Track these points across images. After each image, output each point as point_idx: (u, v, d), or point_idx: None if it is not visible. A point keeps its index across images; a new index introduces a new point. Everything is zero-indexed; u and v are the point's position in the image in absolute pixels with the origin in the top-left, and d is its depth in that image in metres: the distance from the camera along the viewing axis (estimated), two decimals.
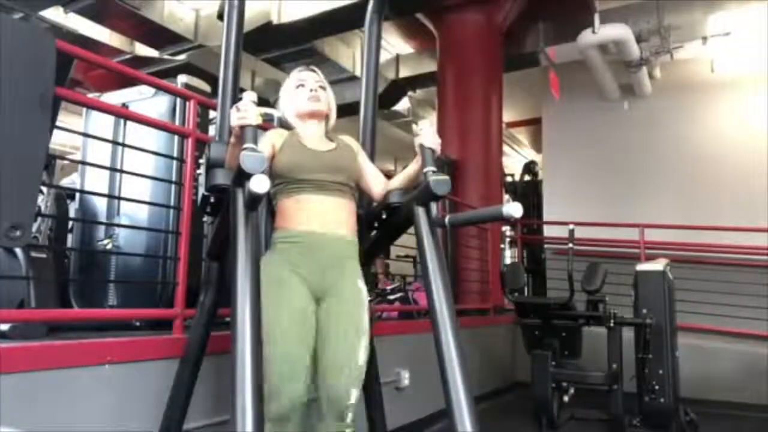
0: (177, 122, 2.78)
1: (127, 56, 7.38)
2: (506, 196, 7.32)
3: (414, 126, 1.85)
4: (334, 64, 7.63)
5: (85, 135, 2.87)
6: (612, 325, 3.81)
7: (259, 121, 1.56)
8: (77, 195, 3.04)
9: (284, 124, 2.13)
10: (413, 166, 1.88)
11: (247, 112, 1.55)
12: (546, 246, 7.07)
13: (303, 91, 1.98)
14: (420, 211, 1.72)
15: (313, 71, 2.05)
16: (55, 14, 6.44)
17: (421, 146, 1.77)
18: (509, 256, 8.14)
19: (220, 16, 6.26)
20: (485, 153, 6.21)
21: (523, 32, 6.93)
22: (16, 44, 1.70)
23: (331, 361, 1.78)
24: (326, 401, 1.78)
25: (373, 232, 2.07)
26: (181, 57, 7.42)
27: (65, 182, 3.51)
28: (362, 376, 1.83)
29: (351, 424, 1.79)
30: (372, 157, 2.15)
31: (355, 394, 1.79)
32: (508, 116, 8.79)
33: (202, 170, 2.07)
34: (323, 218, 1.86)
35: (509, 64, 6.83)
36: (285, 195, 1.89)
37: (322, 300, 1.85)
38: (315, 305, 1.83)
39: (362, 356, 1.82)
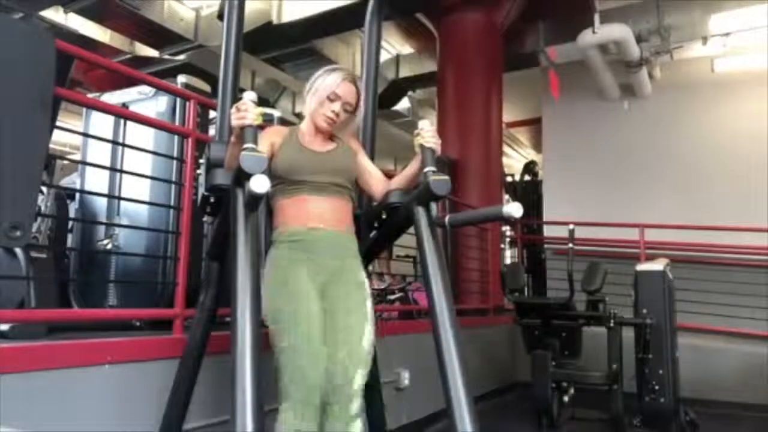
0: (177, 122, 2.78)
1: (127, 56, 7.39)
2: (506, 196, 7.31)
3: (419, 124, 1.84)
4: (334, 64, 7.63)
5: (85, 135, 2.87)
6: (612, 325, 3.81)
7: (259, 121, 1.55)
8: (77, 195, 3.04)
9: (284, 123, 2.12)
10: (413, 166, 1.88)
11: (246, 112, 1.55)
12: (546, 246, 7.07)
13: (329, 106, 1.93)
14: (420, 211, 1.72)
15: (354, 85, 1.97)
16: (55, 14, 6.45)
17: (421, 146, 1.77)
18: (509, 256, 8.14)
19: (220, 16, 6.27)
20: (485, 153, 6.21)
21: (523, 32, 6.92)
22: (16, 44, 1.70)
23: (334, 341, 1.74)
24: (332, 386, 1.71)
25: (373, 232, 2.07)
26: (181, 57, 7.42)
27: (65, 182, 3.50)
28: (368, 360, 1.79)
29: (358, 415, 1.73)
30: (372, 157, 2.15)
31: (359, 379, 1.74)
32: (508, 116, 8.78)
33: (202, 170, 2.07)
34: (321, 218, 1.88)
35: (509, 64, 6.83)
36: (283, 195, 1.91)
37: (325, 291, 1.83)
38: (322, 300, 1.81)
39: (366, 340, 1.79)
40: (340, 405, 1.72)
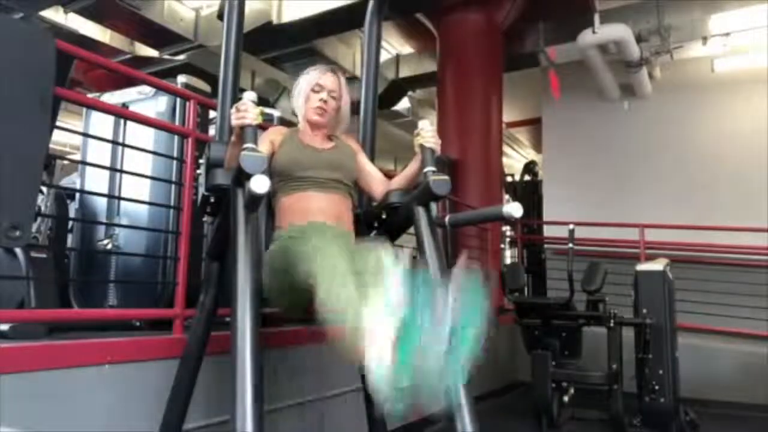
0: (177, 122, 2.78)
1: (127, 56, 7.39)
2: (506, 196, 7.31)
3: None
4: (332, 64, 7.64)
5: (85, 135, 2.86)
6: (612, 325, 3.81)
7: (259, 120, 1.56)
8: (77, 195, 3.03)
9: (284, 123, 2.13)
10: (413, 166, 1.88)
11: (246, 111, 1.55)
12: (546, 246, 7.06)
13: (315, 97, 1.97)
14: (420, 211, 1.72)
15: (335, 74, 2.02)
16: (55, 14, 6.45)
17: (421, 146, 1.77)
18: (509, 256, 8.13)
19: (220, 16, 6.27)
20: (485, 153, 6.21)
21: (523, 32, 6.92)
22: (16, 44, 1.70)
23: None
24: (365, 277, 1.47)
25: (373, 232, 2.07)
26: (181, 57, 7.42)
27: (65, 182, 3.50)
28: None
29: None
30: (372, 157, 2.15)
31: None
32: (508, 116, 8.78)
33: (202, 170, 2.07)
34: (322, 214, 1.87)
35: (509, 64, 6.83)
36: (284, 193, 1.91)
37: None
38: None
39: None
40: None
